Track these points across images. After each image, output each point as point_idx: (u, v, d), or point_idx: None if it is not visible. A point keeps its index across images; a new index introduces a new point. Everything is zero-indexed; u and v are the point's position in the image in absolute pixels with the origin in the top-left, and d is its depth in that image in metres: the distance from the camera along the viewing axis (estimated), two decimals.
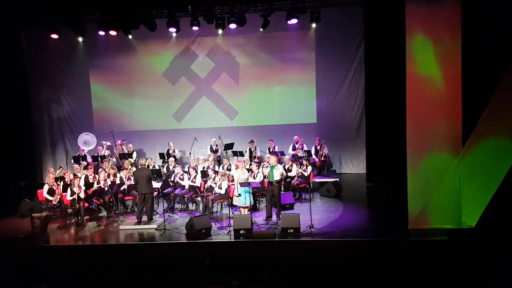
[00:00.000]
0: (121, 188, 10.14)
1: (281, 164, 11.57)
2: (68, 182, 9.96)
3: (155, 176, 10.52)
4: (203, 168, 10.78)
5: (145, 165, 9.63)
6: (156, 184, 9.90)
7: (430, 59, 8.02)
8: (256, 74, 13.39)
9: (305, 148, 12.38)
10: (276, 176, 9.14)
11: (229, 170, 10.61)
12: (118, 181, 10.22)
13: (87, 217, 9.94)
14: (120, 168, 11.25)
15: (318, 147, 12.54)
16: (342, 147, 13.28)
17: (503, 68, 7.75)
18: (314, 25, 12.35)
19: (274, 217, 9.22)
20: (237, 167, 9.39)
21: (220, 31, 12.44)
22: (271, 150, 12.39)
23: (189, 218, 8.64)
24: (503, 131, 7.88)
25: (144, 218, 9.41)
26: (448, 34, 7.88)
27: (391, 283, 7.03)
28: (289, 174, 10.76)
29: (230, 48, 13.38)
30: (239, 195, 9.04)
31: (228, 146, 12.52)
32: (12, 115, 12.25)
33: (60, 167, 11.88)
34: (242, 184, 8.86)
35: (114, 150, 12.53)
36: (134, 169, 10.68)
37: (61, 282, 6.66)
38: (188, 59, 13.54)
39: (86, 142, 12.79)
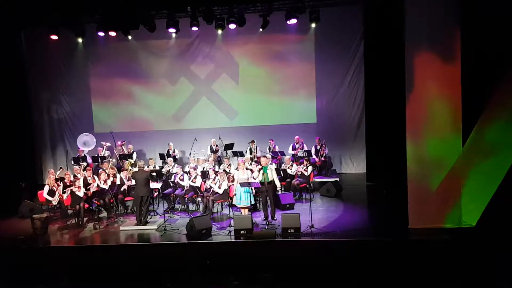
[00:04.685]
0: (121, 189, 10.14)
1: (281, 164, 11.61)
2: (68, 183, 9.95)
3: (156, 176, 10.51)
4: (203, 168, 10.78)
5: (143, 167, 9.59)
6: (157, 185, 9.89)
7: (431, 58, 8.03)
8: (256, 74, 13.38)
9: (305, 148, 12.40)
10: (271, 176, 9.13)
11: (229, 170, 10.61)
12: (118, 182, 10.22)
13: (87, 218, 9.93)
14: (120, 168, 11.25)
15: (318, 147, 12.54)
16: (342, 147, 13.28)
17: (503, 69, 7.75)
18: (313, 25, 12.35)
19: (269, 218, 9.15)
20: (237, 167, 9.38)
21: (219, 32, 12.45)
22: (271, 150, 12.40)
23: (190, 219, 8.63)
24: (503, 130, 7.87)
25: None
26: (447, 34, 7.88)
27: (391, 282, 7.04)
28: (288, 171, 10.77)
29: (229, 48, 13.39)
30: (235, 194, 9.06)
31: (228, 146, 12.51)
32: (12, 116, 12.28)
33: (60, 168, 11.88)
34: (242, 184, 8.85)
35: (114, 151, 12.52)
36: (135, 169, 10.64)
37: (61, 282, 6.67)
38: (187, 59, 13.54)
39: (86, 143, 12.80)
